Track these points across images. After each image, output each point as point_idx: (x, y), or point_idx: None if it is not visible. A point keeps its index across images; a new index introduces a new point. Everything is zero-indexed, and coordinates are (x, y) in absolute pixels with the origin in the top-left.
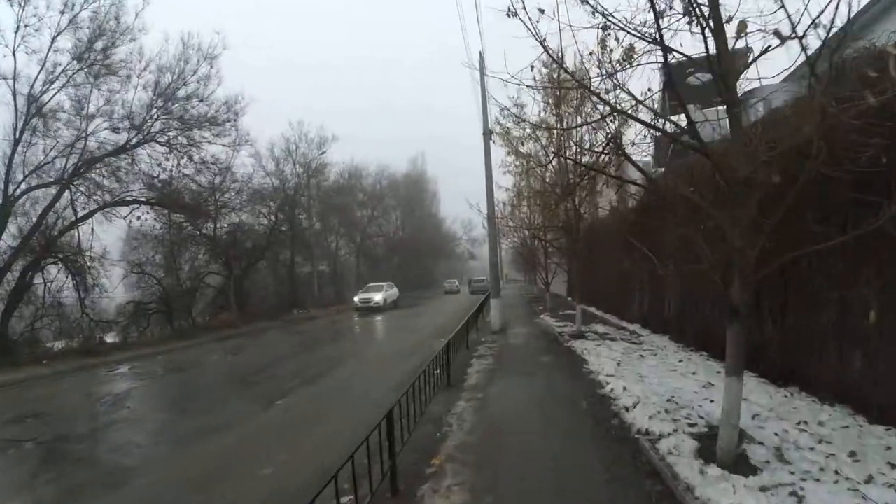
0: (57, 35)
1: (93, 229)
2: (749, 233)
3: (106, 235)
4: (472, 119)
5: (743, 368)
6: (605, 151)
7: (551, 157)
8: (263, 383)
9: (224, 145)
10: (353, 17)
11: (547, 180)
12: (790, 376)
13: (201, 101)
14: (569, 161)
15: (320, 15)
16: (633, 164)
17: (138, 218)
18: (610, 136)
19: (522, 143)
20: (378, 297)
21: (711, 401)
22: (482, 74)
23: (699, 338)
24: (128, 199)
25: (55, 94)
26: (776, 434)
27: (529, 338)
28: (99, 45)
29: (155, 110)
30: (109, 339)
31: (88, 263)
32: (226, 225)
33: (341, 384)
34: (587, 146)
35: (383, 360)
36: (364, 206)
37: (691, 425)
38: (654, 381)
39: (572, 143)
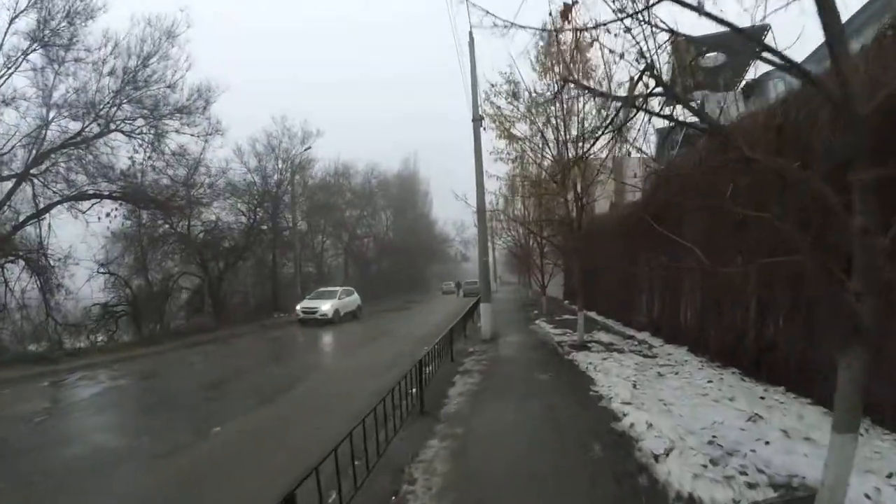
0: (16, 16)
1: (49, 225)
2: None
3: (74, 234)
4: (464, 122)
5: (860, 419)
6: (644, 92)
7: (557, 92)
8: (211, 403)
9: (193, 135)
10: (340, 22)
11: (544, 168)
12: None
13: (169, 87)
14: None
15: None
16: (684, 103)
17: (107, 215)
18: (648, 62)
19: (517, 119)
20: (326, 307)
21: (767, 442)
22: (472, 53)
23: (727, 351)
24: (89, 192)
25: (6, 79)
26: (867, 497)
27: (524, 348)
28: (59, 24)
29: (118, 96)
30: (80, 343)
31: (52, 262)
32: (201, 223)
33: (298, 406)
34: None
35: (356, 375)
36: (352, 206)
37: (751, 486)
38: (685, 412)
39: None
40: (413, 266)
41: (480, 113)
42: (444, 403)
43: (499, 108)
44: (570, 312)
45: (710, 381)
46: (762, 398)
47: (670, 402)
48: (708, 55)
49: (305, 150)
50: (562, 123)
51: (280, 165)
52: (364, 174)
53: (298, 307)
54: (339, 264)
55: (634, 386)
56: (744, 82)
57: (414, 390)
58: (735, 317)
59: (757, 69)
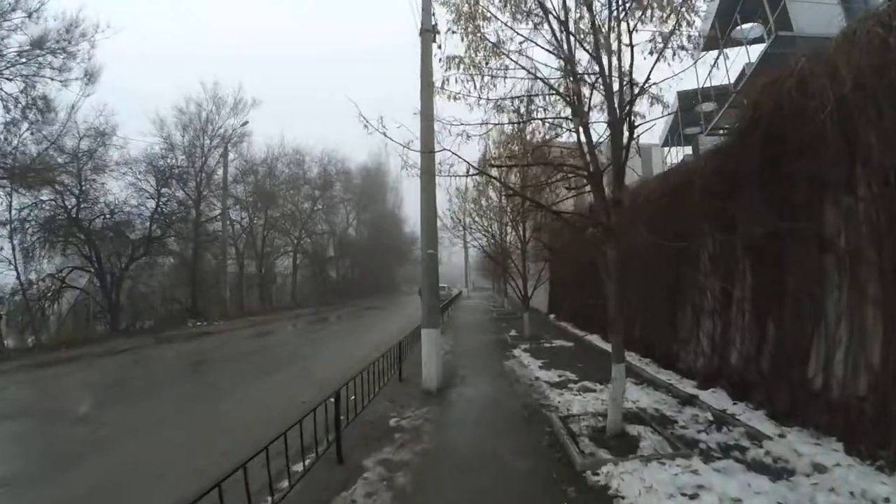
0: None
1: None
2: None
3: None
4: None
5: None
6: None
7: None
8: None
9: (53, 79)
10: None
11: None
12: None
13: (28, 15)
14: None
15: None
16: None
17: None
18: None
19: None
20: None
21: None
22: None
23: None
24: None
25: None
26: None
27: (496, 430)
28: None
29: None
30: None
31: None
32: (88, 204)
33: None
34: None
35: (223, 433)
36: (306, 197)
37: None
38: None
39: None
40: (381, 268)
41: (434, 21)
42: None
43: None
44: (562, 334)
45: None
46: None
47: None
48: None
49: (243, 125)
50: None
51: (208, 141)
52: (319, 160)
53: None
54: (290, 263)
55: None
56: None
57: None
58: None
59: None
